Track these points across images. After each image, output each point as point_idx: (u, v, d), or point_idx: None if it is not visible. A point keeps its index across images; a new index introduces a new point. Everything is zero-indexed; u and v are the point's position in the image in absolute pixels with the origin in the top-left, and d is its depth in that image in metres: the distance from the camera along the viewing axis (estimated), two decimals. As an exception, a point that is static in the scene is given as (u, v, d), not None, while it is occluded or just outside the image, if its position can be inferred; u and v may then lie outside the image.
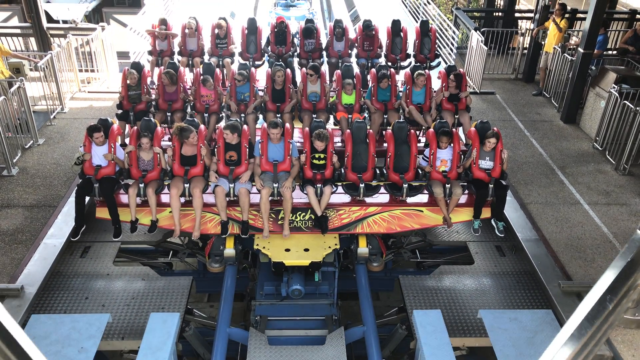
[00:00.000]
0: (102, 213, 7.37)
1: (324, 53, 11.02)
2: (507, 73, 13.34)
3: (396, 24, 11.03)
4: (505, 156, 7.30)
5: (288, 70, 9.15)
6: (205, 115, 8.72)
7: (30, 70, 11.35)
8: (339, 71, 9.29)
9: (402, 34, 10.97)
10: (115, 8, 23.10)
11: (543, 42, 12.44)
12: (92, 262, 7.59)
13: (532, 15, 14.05)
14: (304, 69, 9.39)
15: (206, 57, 10.72)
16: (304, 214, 7.51)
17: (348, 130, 7.67)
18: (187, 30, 10.65)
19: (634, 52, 11.54)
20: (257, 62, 10.80)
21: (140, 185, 7.05)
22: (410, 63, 10.95)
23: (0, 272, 6.69)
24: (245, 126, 7.46)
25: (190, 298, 7.41)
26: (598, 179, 9.01)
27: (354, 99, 8.93)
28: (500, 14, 15.99)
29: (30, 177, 8.58)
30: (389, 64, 10.86)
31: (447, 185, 7.30)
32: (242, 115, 8.72)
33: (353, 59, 10.99)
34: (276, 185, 7.19)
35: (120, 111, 8.92)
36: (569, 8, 12.28)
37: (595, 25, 10.12)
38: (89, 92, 11.77)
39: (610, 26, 14.46)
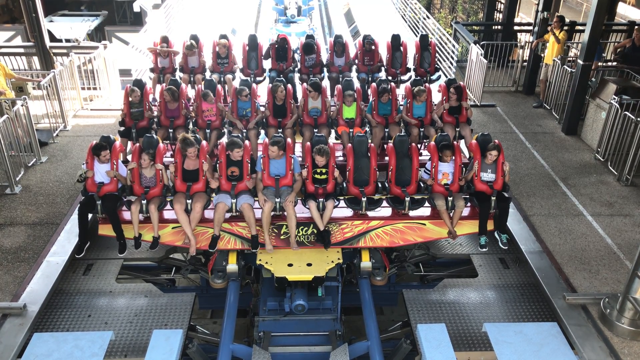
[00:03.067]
0: (105, 230, 7.39)
1: (325, 68, 11.06)
2: (507, 85, 13.38)
3: (396, 39, 11.09)
4: (507, 168, 7.33)
5: (289, 85, 9.20)
6: (207, 131, 8.76)
7: (33, 88, 11.44)
8: (339, 85, 9.32)
9: (402, 48, 11.03)
10: (118, 26, 23.33)
11: (543, 55, 12.51)
12: (94, 279, 7.58)
13: (531, 28, 14.13)
14: (305, 84, 9.40)
15: (207, 74, 10.80)
16: (306, 228, 7.51)
17: (349, 144, 7.68)
18: (187, 51, 10.74)
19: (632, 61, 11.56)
20: (258, 78, 10.86)
21: (143, 202, 7.07)
22: (410, 77, 11.00)
23: (3, 290, 6.67)
24: (247, 142, 7.48)
25: (193, 314, 7.38)
26: (601, 190, 8.99)
27: (355, 113, 8.95)
28: (499, 27, 16.09)
29: (33, 195, 8.59)
30: (389, 78, 10.90)
31: (449, 198, 7.30)
32: (244, 131, 8.75)
33: (353, 74, 11.06)
34: (278, 200, 7.18)
35: (122, 128, 8.95)
36: (567, 20, 12.36)
37: (594, 37, 10.18)
38: (91, 109, 11.83)
39: (609, 38, 14.54)
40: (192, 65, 10.80)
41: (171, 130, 8.83)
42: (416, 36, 16.73)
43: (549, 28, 12.01)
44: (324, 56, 11.28)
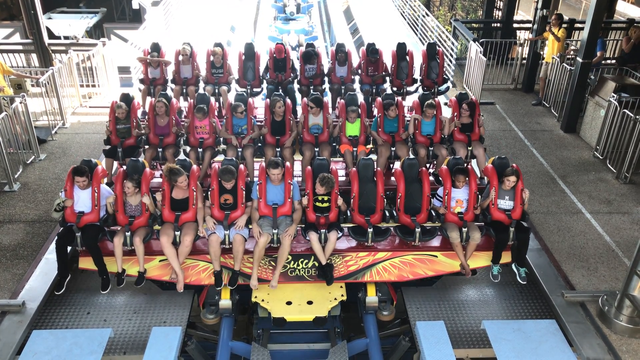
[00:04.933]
0: (86, 263, 6.84)
1: (326, 79, 10.47)
2: (506, 83, 13.38)
3: (401, 47, 10.52)
4: (526, 196, 6.81)
5: (288, 100, 8.64)
6: (200, 150, 8.21)
7: (32, 86, 11.42)
8: (342, 101, 8.70)
9: (407, 57, 10.45)
10: (116, 23, 23.25)
11: (542, 52, 12.51)
12: (93, 276, 7.57)
13: (530, 25, 14.12)
14: (305, 99, 8.76)
15: (201, 85, 10.24)
16: (306, 261, 6.94)
17: (354, 169, 7.11)
18: (181, 57, 10.12)
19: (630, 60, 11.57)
20: (255, 90, 10.30)
21: (127, 233, 6.56)
22: (417, 88, 10.48)
23: (2, 287, 6.67)
24: (241, 165, 6.97)
25: (192, 312, 7.35)
26: (599, 188, 9.00)
27: (359, 130, 8.36)
28: (498, 24, 16.07)
29: (32, 193, 8.59)
30: (395, 89, 10.35)
31: (463, 229, 6.79)
32: (239, 149, 8.21)
33: (356, 85, 10.49)
34: (275, 231, 6.64)
35: (107, 147, 8.35)
36: (566, 18, 12.35)
37: (593, 35, 10.17)
38: (90, 107, 11.82)
39: (608, 35, 14.54)
40: (184, 75, 10.19)
41: (160, 150, 8.26)
42: (421, 41, 16.74)
43: (547, 27, 12.01)
44: (325, 66, 10.64)
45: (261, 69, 10.33)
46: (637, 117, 8.78)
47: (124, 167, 7.74)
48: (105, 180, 7.37)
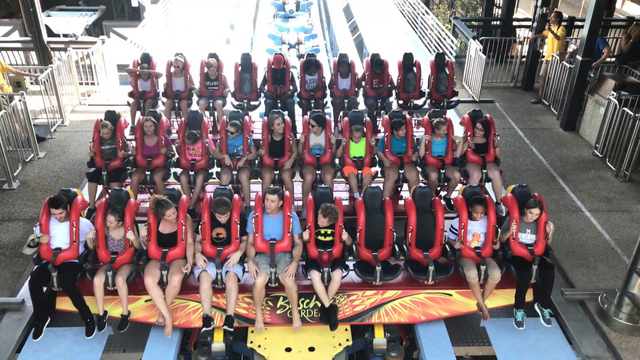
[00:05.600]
0: (64, 304, 6.14)
1: (328, 92, 9.81)
2: (506, 81, 13.38)
3: (408, 58, 9.82)
4: (550, 230, 6.13)
5: (287, 117, 8.02)
6: (191, 173, 7.55)
7: (31, 83, 11.41)
8: (346, 119, 7.99)
9: (414, 69, 9.76)
10: (116, 21, 23.27)
11: (542, 50, 12.50)
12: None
13: (530, 23, 14.12)
14: (305, 117, 8.10)
15: (195, 99, 9.64)
16: (307, 300, 6.27)
17: (360, 198, 6.47)
18: (172, 69, 9.40)
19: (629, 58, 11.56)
20: (252, 103, 9.58)
21: (109, 272, 5.91)
22: (424, 102, 9.82)
23: (2, 285, 6.67)
24: (236, 195, 6.34)
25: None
26: (599, 186, 9.00)
27: (364, 151, 7.74)
28: (498, 22, 16.07)
29: (31, 191, 8.58)
30: (401, 102, 9.71)
31: (481, 267, 6.13)
32: (234, 172, 7.54)
33: (360, 98, 9.90)
34: (273, 270, 5.99)
35: (91, 169, 7.70)
36: (566, 16, 12.34)
37: (593, 33, 10.17)
38: (89, 105, 11.80)
39: (608, 34, 14.54)
40: (177, 88, 9.47)
41: (148, 173, 7.61)
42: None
43: (547, 25, 12.00)
44: (327, 77, 9.93)
45: (259, 81, 9.66)
46: (637, 115, 8.78)
47: (107, 196, 7.08)
48: (88, 208, 6.82)
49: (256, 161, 7.89)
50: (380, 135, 8.37)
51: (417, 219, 6.26)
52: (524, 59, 13.20)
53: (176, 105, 9.44)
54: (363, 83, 9.73)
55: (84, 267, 6.10)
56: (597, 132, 9.99)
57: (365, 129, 7.75)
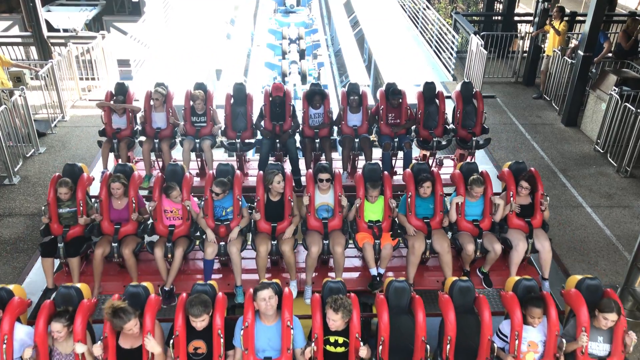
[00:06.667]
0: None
1: (335, 129, 8.36)
2: (507, 77, 13.35)
3: (430, 89, 8.27)
4: (632, 342, 4.79)
5: (288, 171, 6.56)
6: (168, 244, 6.05)
7: (31, 79, 11.39)
8: (359, 172, 6.51)
9: (437, 100, 8.27)
10: (116, 16, 23.18)
11: (543, 46, 12.46)
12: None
13: (531, 18, 14.07)
14: (309, 170, 6.78)
15: (179, 139, 8.16)
16: None
17: (381, 296, 5.03)
18: (153, 102, 7.92)
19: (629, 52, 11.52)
20: (247, 141, 8.16)
21: None
22: (450, 141, 8.33)
23: (2, 280, 6.66)
24: (220, 294, 4.87)
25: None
26: (600, 182, 8.99)
27: (382, 214, 6.31)
28: (499, 17, 16.02)
29: (32, 186, 8.58)
30: (421, 140, 8.29)
31: None
32: (222, 243, 6.09)
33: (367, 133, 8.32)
34: None
35: (46, 239, 6.20)
36: (568, 11, 12.30)
37: (595, 28, 10.13)
38: (89, 100, 11.78)
39: (610, 29, 14.49)
40: (157, 125, 7.94)
41: (116, 245, 6.04)
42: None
43: (548, 20, 11.96)
44: (334, 109, 8.38)
45: (254, 116, 8.13)
46: (639, 110, 8.76)
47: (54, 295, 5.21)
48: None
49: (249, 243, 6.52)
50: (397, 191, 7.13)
51: (458, 323, 4.80)
52: (525, 55, 13.16)
53: (156, 145, 7.89)
54: (376, 117, 8.16)
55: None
56: (598, 128, 9.97)
57: (383, 183, 6.30)
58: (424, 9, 16.43)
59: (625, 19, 14.30)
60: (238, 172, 6.48)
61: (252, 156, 9.18)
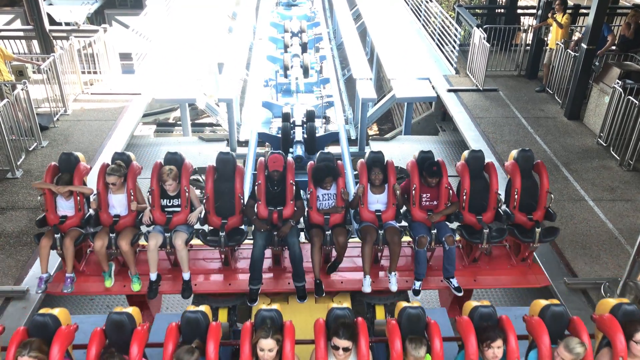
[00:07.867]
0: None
1: (352, 213, 6.23)
2: (509, 70, 13.30)
3: (477, 159, 6.21)
4: None
5: (288, 321, 4.61)
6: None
7: (33, 72, 11.40)
8: (394, 322, 4.60)
9: (485, 174, 6.26)
10: (117, 9, 23.15)
11: (546, 39, 12.41)
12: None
13: (534, 11, 14.01)
14: (320, 319, 4.63)
15: (144, 229, 6.18)
16: None
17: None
18: (109, 183, 5.84)
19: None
20: (234, 230, 6.14)
21: None
22: (503, 231, 6.20)
23: (6, 274, 6.71)
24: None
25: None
26: (603, 175, 8.97)
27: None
28: (502, 10, 15.96)
29: (35, 179, 8.57)
30: (466, 224, 6.20)
31: None
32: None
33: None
34: None
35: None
36: (571, 3, 12.24)
37: (599, 21, 10.08)
38: (91, 93, 11.79)
39: (613, 21, 14.42)
40: (115, 212, 5.98)
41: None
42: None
43: (550, 13, 11.90)
44: (349, 187, 6.85)
45: (245, 197, 6.20)
46: (642, 103, 8.73)
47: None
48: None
49: None
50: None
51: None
52: (528, 48, 13.12)
53: (113, 241, 5.91)
54: (407, 197, 6.14)
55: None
56: (601, 121, 9.94)
57: (430, 332, 4.54)
58: (427, 2, 16.36)
59: (629, 12, 14.25)
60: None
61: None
